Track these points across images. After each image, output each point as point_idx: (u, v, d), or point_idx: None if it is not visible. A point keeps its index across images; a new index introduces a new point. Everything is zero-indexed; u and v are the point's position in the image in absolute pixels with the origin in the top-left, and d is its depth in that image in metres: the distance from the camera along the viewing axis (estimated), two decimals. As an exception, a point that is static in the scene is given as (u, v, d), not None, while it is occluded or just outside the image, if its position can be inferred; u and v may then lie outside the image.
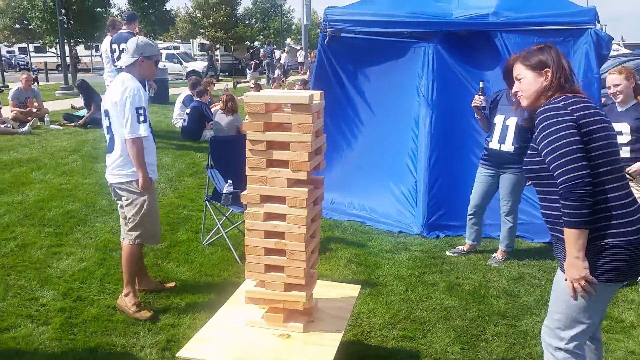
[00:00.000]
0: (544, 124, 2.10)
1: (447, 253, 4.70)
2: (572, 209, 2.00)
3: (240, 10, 43.29)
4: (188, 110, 9.09)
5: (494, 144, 4.39)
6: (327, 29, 5.73)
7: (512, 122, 4.26)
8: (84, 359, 3.01)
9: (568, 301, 2.13)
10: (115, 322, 3.40)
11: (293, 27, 49.97)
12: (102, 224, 5.13)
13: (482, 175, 4.54)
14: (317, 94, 2.39)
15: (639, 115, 3.93)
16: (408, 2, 5.68)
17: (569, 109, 2.08)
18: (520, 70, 2.27)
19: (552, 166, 2.06)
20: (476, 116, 4.57)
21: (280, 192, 2.37)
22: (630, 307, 3.73)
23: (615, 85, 3.95)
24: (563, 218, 2.05)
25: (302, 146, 2.30)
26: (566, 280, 2.10)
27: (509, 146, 4.30)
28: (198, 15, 40.31)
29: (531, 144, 2.23)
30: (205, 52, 31.85)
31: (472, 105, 4.47)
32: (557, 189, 2.04)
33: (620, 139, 3.88)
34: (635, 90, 4.01)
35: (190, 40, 44.26)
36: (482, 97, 4.42)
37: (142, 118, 3.27)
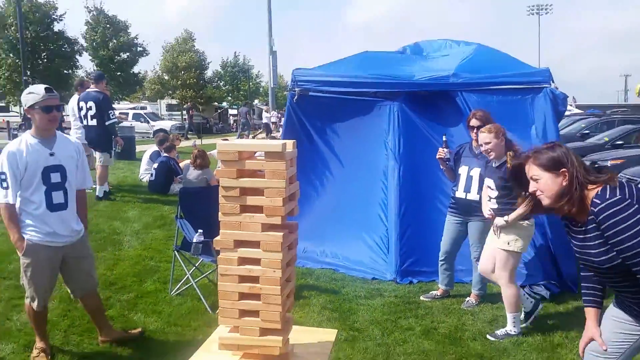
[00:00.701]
0: (612, 221, 2.10)
1: (422, 298, 4.69)
2: None
3: (209, 73, 44.07)
4: (155, 165, 9.02)
5: (460, 193, 4.52)
6: (296, 89, 5.89)
7: (476, 172, 4.40)
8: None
9: None
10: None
11: (261, 89, 51.03)
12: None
13: (450, 223, 4.63)
14: (289, 143, 2.44)
15: (501, 174, 4.05)
16: (373, 65, 5.98)
17: (633, 200, 2.11)
18: (535, 171, 2.29)
19: (629, 262, 2.10)
20: (442, 167, 4.72)
21: (255, 236, 2.35)
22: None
23: (486, 144, 4.09)
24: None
25: (276, 192, 2.31)
26: None
27: (474, 195, 4.41)
28: (166, 77, 40.83)
29: (594, 242, 2.23)
30: (186, 111, 32.22)
31: (437, 157, 4.63)
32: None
33: (490, 193, 4.13)
34: (507, 146, 4.17)
35: (158, 100, 44.56)
36: (446, 150, 4.58)
37: (4, 184, 3.16)
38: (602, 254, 2.17)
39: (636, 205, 2.07)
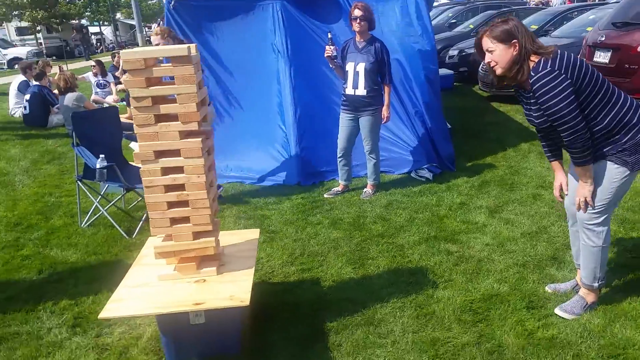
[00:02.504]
0: (542, 91, 2.44)
1: (325, 196, 5.09)
2: (578, 154, 2.52)
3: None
4: (27, 97, 8.33)
5: (349, 90, 4.80)
6: (174, -6, 5.64)
7: (361, 67, 4.69)
8: (-15, 355, 2.88)
9: (616, 187, 2.62)
10: (10, 312, 3.25)
11: (122, 1, 46.61)
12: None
13: (343, 119, 4.95)
14: (192, 47, 2.48)
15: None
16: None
17: (561, 71, 2.42)
18: (488, 43, 2.54)
19: (556, 124, 2.49)
20: (331, 66, 4.94)
21: (174, 145, 2.45)
22: (480, 211, 4.45)
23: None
24: (572, 159, 2.58)
25: (189, 97, 2.39)
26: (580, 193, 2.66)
27: (362, 90, 4.73)
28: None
29: (534, 106, 2.57)
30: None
31: (325, 55, 4.82)
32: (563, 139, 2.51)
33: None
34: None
35: (5, 24, 39.25)
36: (332, 48, 4.76)
37: None
38: (539, 117, 2.58)
39: (563, 75, 2.41)
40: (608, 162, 2.61)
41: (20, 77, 9.30)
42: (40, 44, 33.94)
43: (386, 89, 4.77)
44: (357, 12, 4.61)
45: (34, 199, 5.26)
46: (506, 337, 2.74)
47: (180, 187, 2.51)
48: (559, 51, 2.51)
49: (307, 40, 5.61)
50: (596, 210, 2.69)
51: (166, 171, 2.50)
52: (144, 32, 25.26)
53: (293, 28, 5.58)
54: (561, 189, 2.96)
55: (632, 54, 5.78)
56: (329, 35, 4.81)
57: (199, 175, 2.49)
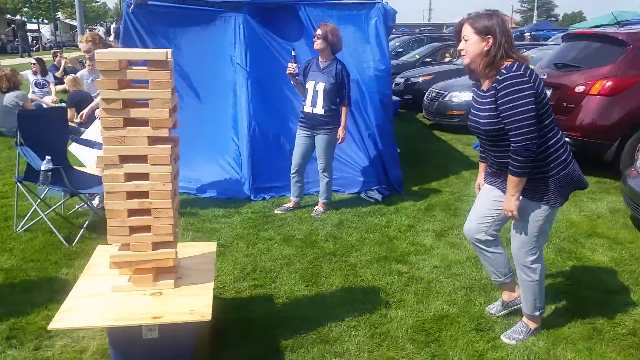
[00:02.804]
0: (509, 90, 2.48)
1: (276, 212, 5.06)
2: (521, 163, 2.55)
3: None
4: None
5: (307, 108, 4.86)
6: (133, -2, 5.51)
7: (321, 87, 4.76)
8: None
9: (541, 225, 2.73)
10: None
11: (66, 0, 44.78)
12: None
13: (300, 136, 4.98)
14: (169, 52, 2.43)
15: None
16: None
17: (530, 79, 2.48)
18: (467, 31, 2.59)
19: (510, 127, 2.53)
20: (292, 83, 4.98)
21: (141, 150, 2.37)
22: (427, 234, 4.58)
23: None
24: (510, 168, 2.59)
25: (162, 103, 2.33)
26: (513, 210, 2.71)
27: (319, 109, 4.80)
28: None
29: (486, 106, 2.61)
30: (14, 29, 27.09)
31: (287, 72, 4.86)
32: (510, 145, 2.56)
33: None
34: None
35: None
36: (294, 65, 4.81)
37: None
38: (488, 117, 2.61)
39: (531, 84, 2.49)
40: (530, 202, 2.71)
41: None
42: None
43: (343, 110, 4.85)
44: (317, 31, 4.70)
45: (-39, 200, 4.90)
46: (458, 358, 2.82)
47: (144, 194, 2.43)
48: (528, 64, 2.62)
49: (266, 55, 5.62)
50: (529, 248, 2.82)
51: (129, 177, 2.40)
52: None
53: (253, 42, 5.56)
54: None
55: (569, 93, 6.19)
56: (293, 53, 4.85)
57: (165, 184, 2.41)
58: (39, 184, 4.05)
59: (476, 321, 3.17)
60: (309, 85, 4.82)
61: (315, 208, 5.10)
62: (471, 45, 2.59)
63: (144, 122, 2.35)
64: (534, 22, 52.83)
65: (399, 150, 5.96)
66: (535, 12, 63.21)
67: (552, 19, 68.30)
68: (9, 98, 6.87)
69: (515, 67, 2.52)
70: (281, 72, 5.45)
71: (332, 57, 4.78)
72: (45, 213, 4.24)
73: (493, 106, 2.59)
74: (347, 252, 4.17)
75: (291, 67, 4.79)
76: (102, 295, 2.51)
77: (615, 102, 5.97)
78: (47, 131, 4.22)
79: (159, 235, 2.50)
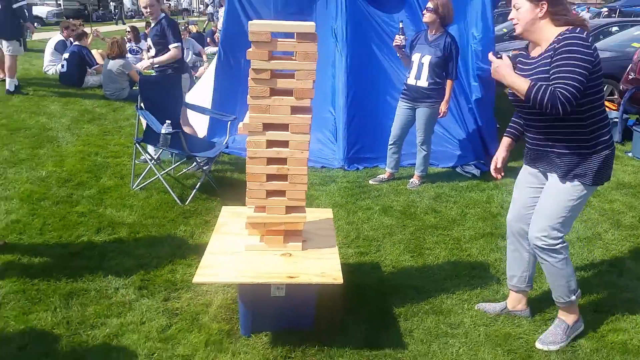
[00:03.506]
0: (569, 48, 2.26)
1: (370, 182, 5.11)
2: (545, 101, 2.26)
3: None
4: (66, 55, 8.31)
5: (411, 80, 4.81)
6: (237, -31, 5.60)
7: (427, 60, 4.69)
8: (60, 306, 2.89)
9: (570, 205, 2.50)
10: (75, 268, 3.28)
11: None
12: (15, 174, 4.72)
13: (401, 108, 4.96)
14: (313, 25, 2.49)
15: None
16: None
17: (592, 45, 2.28)
18: None
19: (555, 76, 2.27)
20: (398, 55, 4.94)
21: (284, 119, 2.47)
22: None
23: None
24: (533, 92, 2.28)
25: (307, 74, 2.41)
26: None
27: (423, 82, 4.74)
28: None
29: (537, 69, 2.39)
30: None
31: (394, 44, 4.81)
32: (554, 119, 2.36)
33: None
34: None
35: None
36: (402, 37, 4.75)
37: None
38: (538, 81, 2.34)
39: (592, 51, 2.28)
40: (566, 180, 2.50)
41: (58, 37, 9.27)
42: (60, 4, 33.64)
43: (449, 83, 4.77)
44: (429, 3, 4.61)
45: (80, 157, 5.28)
46: (579, 339, 2.78)
47: (282, 160, 2.53)
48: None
49: (367, 29, 5.61)
50: (554, 229, 2.54)
51: (271, 144, 2.51)
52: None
53: (354, 14, 5.56)
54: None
55: None
56: (400, 25, 4.80)
57: (303, 152, 2.50)
58: (158, 146, 4.29)
59: (595, 305, 3.10)
60: (415, 57, 4.76)
61: (411, 180, 5.10)
62: (523, 12, 2.40)
63: (288, 92, 2.43)
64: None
65: (498, 125, 5.81)
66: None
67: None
68: (115, 65, 7.25)
69: (578, 30, 2.31)
70: (381, 46, 5.43)
71: (442, 30, 4.69)
72: (161, 174, 4.49)
73: (546, 68, 2.35)
74: (449, 225, 4.16)
75: (398, 39, 4.74)
76: (237, 253, 2.66)
77: None
78: (166, 96, 4.44)
79: (292, 200, 2.61)
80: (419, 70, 4.73)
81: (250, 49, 2.35)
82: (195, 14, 38.12)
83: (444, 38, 4.65)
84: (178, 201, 4.34)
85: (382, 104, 5.63)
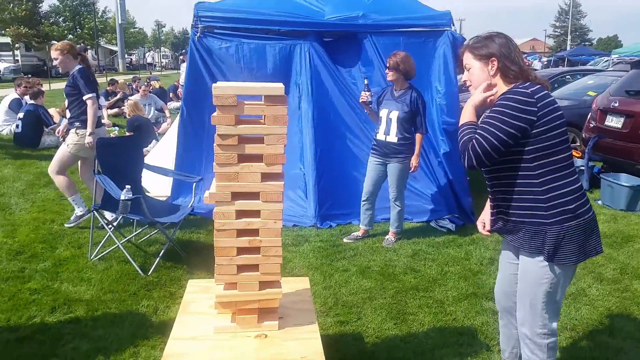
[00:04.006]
0: (502, 102, 2.09)
1: (345, 240, 4.91)
2: (459, 148, 2.18)
3: (45, 6, 38.91)
4: (21, 115, 7.98)
5: (380, 136, 4.73)
6: (199, 25, 5.53)
7: (395, 115, 4.64)
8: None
9: (544, 291, 2.21)
10: (25, 356, 2.91)
11: (108, 27, 46.34)
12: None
13: (372, 164, 4.85)
14: (282, 87, 2.34)
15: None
16: (280, 2, 5.74)
17: (537, 102, 2.06)
18: (468, 59, 2.27)
19: (480, 127, 2.13)
20: (365, 111, 4.89)
21: (254, 187, 2.27)
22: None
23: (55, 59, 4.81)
24: (459, 134, 2.20)
25: (278, 139, 2.24)
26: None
27: (393, 137, 4.67)
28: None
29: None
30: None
31: (360, 101, 4.76)
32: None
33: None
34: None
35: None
36: (367, 93, 4.71)
37: None
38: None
39: (531, 109, 2.04)
40: (530, 259, 2.23)
41: (12, 95, 8.95)
42: (17, 60, 33.29)
43: (418, 137, 4.70)
44: (388, 62, 4.62)
45: (34, 225, 4.92)
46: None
47: (254, 232, 2.31)
48: (549, 90, 2.18)
49: (330, 83, 5.55)
50: (535, 320, 2.27)
51: (240, 214, 2.29)
52: (125, 59, 25.33)
53: (319, 70, 5.52)
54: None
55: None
56: (365, 82, 4.78)
57: (276, 221, 2.29)
58: (117, 213, 4.00)
59: (589, 369, 2.92)
60: (382, 113, 4.71)
61: (387, 237, 4.93)
62: (475, 72, 2.25)
63: (257, 158, 2.24)
64: (568, 47, 51.97)
65: (467, 178, 5.75)
66: (569, 37, 62.00)
67: (587, 43, 66.83)
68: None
69: (523, 86, 2.11)
70: (347, 100, 5.38)
71: (406, 85, 4.67)
72: (121, 242, 4.19)
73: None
74: (430, 286, 3.97)
75: (364, 96, 4.69)
76: (205, 337, 2.38)
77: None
78: (124, 159, 4.19)
79: (266, 275, 2.37)
80: (387, 125, 4.66)
81: (214, 114, 2.16)
82: (157, 68, 38.28)
83: (409, 93, 4.62)
84: (140, 272, 4.02)
85: (350, 158, 5.53)
